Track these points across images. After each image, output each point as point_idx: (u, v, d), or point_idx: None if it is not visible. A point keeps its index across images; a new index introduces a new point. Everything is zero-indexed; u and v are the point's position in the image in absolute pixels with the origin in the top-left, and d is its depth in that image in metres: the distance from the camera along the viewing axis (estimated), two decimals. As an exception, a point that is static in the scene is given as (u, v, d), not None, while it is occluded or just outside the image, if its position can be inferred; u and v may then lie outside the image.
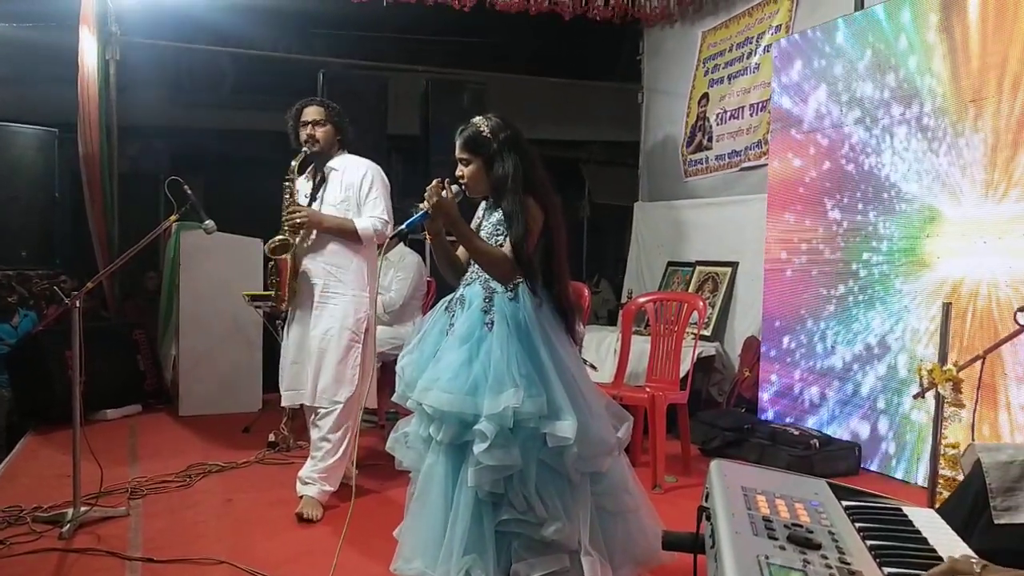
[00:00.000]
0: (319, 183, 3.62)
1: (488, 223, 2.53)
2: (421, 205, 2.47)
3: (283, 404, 3.80)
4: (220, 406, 5.32)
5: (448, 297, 2.58)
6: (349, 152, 3.65)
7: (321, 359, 3.48)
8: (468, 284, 2.52)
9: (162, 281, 6.10)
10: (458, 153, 2.51)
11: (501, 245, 2.45)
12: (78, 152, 5.74)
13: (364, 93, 6.11)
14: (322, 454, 3.48)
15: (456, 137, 2.52)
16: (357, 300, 3.52)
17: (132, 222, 6.00)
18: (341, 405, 3.46)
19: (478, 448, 2.24)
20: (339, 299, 3.51)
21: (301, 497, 3.47)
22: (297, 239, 3.55)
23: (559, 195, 2.54)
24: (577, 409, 2.31)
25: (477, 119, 2.51)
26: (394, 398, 2.55)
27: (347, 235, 3.48)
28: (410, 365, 2.49)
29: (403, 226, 2.55)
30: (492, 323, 2.39)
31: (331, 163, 3.59)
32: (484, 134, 2.47)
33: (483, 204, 2.62)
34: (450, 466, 2.34)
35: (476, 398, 2.28)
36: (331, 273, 3.52)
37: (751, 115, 5.68)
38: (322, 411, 3.49)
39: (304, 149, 3.57)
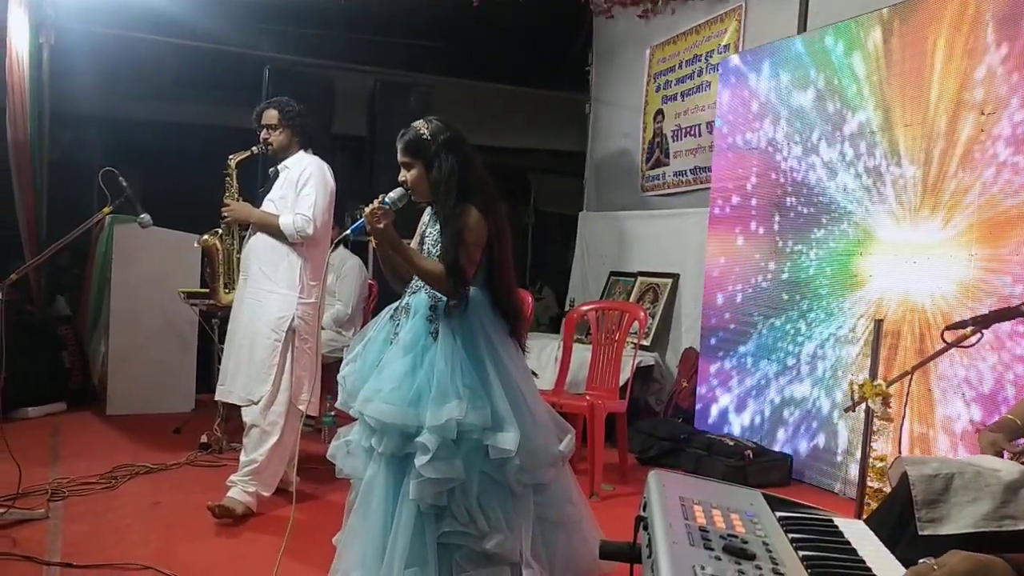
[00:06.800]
0: (273, 181, 3.67)
1: (433, 231, 2.49)
2: (366, 209, 2.44)
3: (215, 398, 3.78)
4: (150, 405, 5.16)
5: (393, 305, 2.54)
6: (312, 151, 3.68)
7: (240, 356, 3.49)
8: (413, 292, 2.48)
9: (92, 276, 5.90)
10: (400, 157, 2.48)
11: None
12: (6, 137, 5.52)
13: (310, 91, 6.00)
14: (244, 454, 3.46)
15: (398, 141, 2.48)
16: (285, 299, 3.47)
17: (63, 213, 5.78)
18: (256, 402, 3.43)
19: (419, 461, 2.20)
20: (266, 296, 3.48)
21: None
22: (231, 234, 3.71)
23: (503, 200, 2.53)
24: (521, 420, 2.29)
25: (418, 122, 2.48)
26: (337, 404, 2.51)
27: (272, 231, 3.50)
28: (352, 374, 2.45)
29: (347, 231, 2.52)
30: (437, 332, 2.36)
31: (285, 163, 3.64)
32: (424, 137, 2.44)
33: (428, 210, 2.58)
34: (391, 478, 2.30)
35: (418, 409, 2.25)
36: (262, 270, 3.51)
37: (709, 132, 5.72)
38: (244, 409, 3.48)
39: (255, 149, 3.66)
